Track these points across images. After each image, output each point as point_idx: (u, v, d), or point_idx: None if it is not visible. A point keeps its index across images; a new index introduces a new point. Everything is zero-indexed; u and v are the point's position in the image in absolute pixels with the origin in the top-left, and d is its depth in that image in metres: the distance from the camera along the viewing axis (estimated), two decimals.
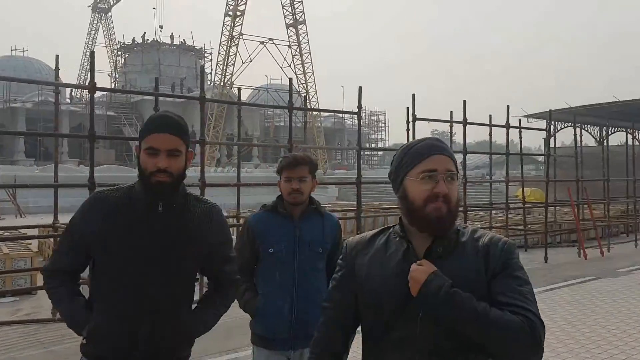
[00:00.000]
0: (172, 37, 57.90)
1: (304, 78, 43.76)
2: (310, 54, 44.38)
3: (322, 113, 44.35)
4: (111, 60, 62.46)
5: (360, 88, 8.35)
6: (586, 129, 31.16)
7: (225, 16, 43.33)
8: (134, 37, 59.00)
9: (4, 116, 43.57)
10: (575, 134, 13.45)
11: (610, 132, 30.93)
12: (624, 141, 22.19)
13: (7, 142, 44.42)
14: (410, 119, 9.40)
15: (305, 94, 43.58)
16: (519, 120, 12.16)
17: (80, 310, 1.94)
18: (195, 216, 1.98)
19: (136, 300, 1.87)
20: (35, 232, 10.00)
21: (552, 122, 27.56)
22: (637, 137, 27.80)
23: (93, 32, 64.24)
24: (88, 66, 13.28)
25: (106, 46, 62.69)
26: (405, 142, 2.74)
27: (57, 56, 6.76)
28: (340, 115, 48.53)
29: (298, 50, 44.04)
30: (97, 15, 63.58)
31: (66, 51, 66.85)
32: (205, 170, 7.47)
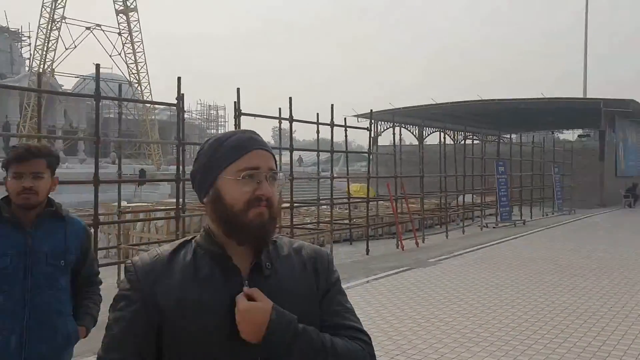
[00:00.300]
0: None
1: (135, 68, 41.34)
2: (142, 42, 42.07)
3: (157, 106, 42.24)
4: None
5: (179, 78, 7.91)
6: (409, 129, 33.68)
7: None
8: None
9: None
10: (394, 134, 14.30)
11: (429, 132, 33.91)
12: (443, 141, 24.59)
13: None
14: (235, 113, 9.16)
15: (137, 85, 41.27)
16: (345, 119, 12.58)
17: None
18: None
19: None
20: None
21: (380, 122, 29.56)
22: (453, 136, 30.84)
23: None
24: None
25: None
26: None
27: None
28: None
29: (129, 38, 41.49)
30: None
31: None
32: None
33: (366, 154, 14.79)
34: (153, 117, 42.98)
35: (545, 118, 32.81)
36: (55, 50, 39.59)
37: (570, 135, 41.69)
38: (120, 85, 9.37)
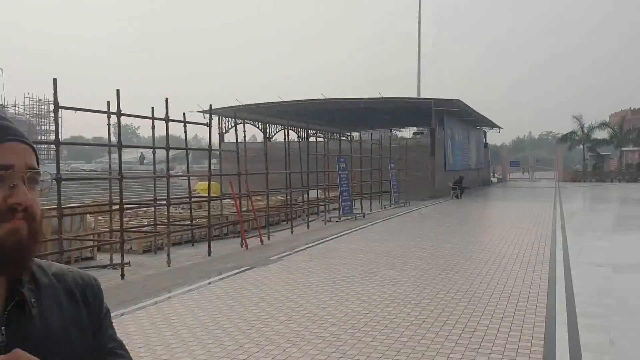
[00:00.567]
0: None
1: None
2: None
3: None
4: None
5: None
6: (258, 126, 33.62)
7: None
8: None
9: None
10: (236, 130, 14.02)
11: (277, 130, 34.16)
12: (295, 138, 24.83)
13: None
14: (54, 107, 8.23)
15: None
16: (184, 114, 11.99)
17: None
18: None
19: None
20: None
21: (227, 119, 29.10)
22: (300, 134, 31.32)
23: None
24: None
25: None
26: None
27: None
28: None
29: None
30: None
31: None
32: None
33: (214, 151, 14.30)
34: None
35: (384, 117, 34.81)
36: None
37: (406, 132, 44.78)
38: None
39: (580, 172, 46.42)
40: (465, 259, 9.86)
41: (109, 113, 9.68)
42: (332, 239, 12.92)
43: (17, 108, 45.67)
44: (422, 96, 35.14)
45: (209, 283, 8.26)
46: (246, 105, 27.96)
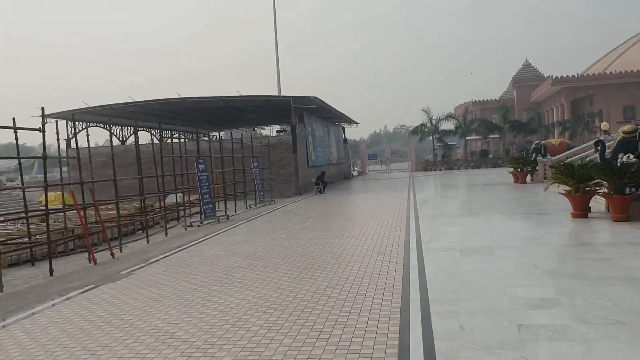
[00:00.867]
0: None
1: None
2: None
3: None
4: None
5: None
6: (113, 129, 31.40)
7: None
8: None
9: None
10: (75, 135, 12.79)
11: (131, 132, 32.21)
12: (152, 140, 23.47)
13: None
14: None
15: None
16: (13, 119, 10.63)
17: None
18: None
19: None
20: None
21: (78, 123, 26.79)
22: (155, 135, 29.72)
23: None
24: None
25: None
26: None
27: None
28: None
29: None
30: None
31: None
32: None
33: (64, 159, 12.90)
34: None
35: (247, 116, 34.42)
36: None
37: (271, 131, 44.75)
38: None
39: (431, 161, 49.74)
40: (328, 254, 9.85)
41: None
42: (191, 245, 12.31)
43: None
44: (283, 94, 35.25)
45: (47, 307, 7.33)
46: (92, 107, 25.92)
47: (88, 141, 15.56)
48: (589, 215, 12.29)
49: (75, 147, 12.40)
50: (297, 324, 5.81)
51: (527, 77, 65.35)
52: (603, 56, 68.50)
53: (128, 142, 32.38)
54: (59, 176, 11.30)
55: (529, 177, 25.66)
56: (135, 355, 5.16)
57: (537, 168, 25.42)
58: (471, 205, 16.96)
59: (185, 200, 19.02)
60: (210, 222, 16.75)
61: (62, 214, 13.86)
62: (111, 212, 16.43)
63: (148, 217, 15.78)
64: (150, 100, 26.69)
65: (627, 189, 11.55)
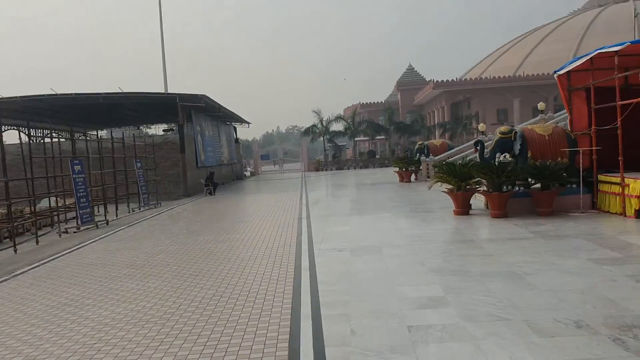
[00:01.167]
0: None
1: None
2: None
3: None
4: None
5: None
6: None
7: None
8: None
9: None
10: None
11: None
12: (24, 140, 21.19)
13: None
14: None
15: None
16: None
17: None
18: None
19: None
20: None
21: None
22: (25, 132, 27.20)
23: None
24: None
25: None
26: None
27: None
28: None
29: None
30: None
31: None
32: None
33: None
34: None
35: (131, 114, 32.58)
36: None
37: (156, 130, 42.88)
38: None
39: (322, 161, 50.42)
40: (216, 259, 9.38)
41: None
42: (65, 254, 11.25)
43: None
44: (169, 92, 33.82)
45: None
46: None
47: None
48: (470, 212, 12.88)
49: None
50: (179, 338, 5.36)
51: (410, 81, 68.50)
52: (480, 61, 73.48)
53: None
54: None
55: (413, 176, 26.70)
56: None
57: (421, 167, 26.52)
58: (360, 204, 17.21)
59: (60, 205, 17.50)
60: (88, 228, 15.51)
61: None
62: None
63: (16, 224, 14.27)
64: (18, 97, 24.31)
65: (505, 187, 12.23)
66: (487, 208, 12.89)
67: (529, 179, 12.55)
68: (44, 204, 18.93)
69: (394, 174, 28.58)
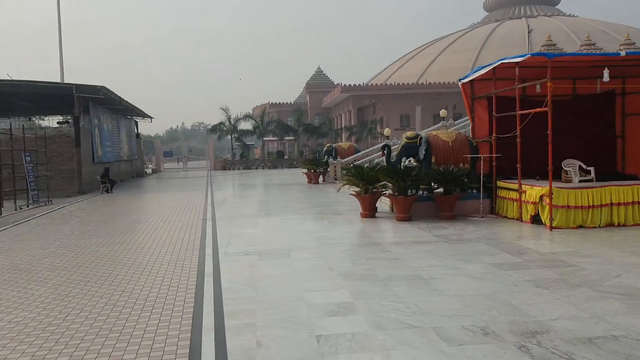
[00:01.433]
0: None
1: None
2: None
3: None
4: None
5: None
6: None
7: None
8: None
9: None
10: None
11: None
12: None
13: None
14: None
15: None
16: None
17: None
18: None
19: None
20: None
21: None
22: None
23: None
24: None
25: None
26: None
27: None
28: None
29: None
30: None
31: None
32: None
33: None
34: None
35: (23, 103, 30.03)
36: None
37: (51, 122, 39.95)
38: None
39: (230, 160, 49.50)
40: (111, 264, 8.68)
41: None
42: None
43: None
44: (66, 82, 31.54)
45: None
46: None
47: None
48: (377, 215, 12.98)
49: None
50: (64, 354, 4.78)
51: (319, 84, 69.08)
52: (385, 67, 75.69)
53: None
54: None
55: (321, 178, 26.79)
56: None
57: (329, 169, 26.67)
58: (268, 205, 16.90)
59: None
60: None
61: None
62: None
63: None
64: None
65: (409, 191, 12.43)
66: (393, 211, 13.06)
67: (433, 184, 12.87)
68: None
69: (302, 175, 28.51)
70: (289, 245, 9.58)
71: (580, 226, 10.59)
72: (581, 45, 31.80)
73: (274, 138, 58.07)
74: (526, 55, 10.37)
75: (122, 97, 29.33)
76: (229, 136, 51.96)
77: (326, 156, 27.85)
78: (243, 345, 4.83)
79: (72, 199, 22.08)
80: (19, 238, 11.91)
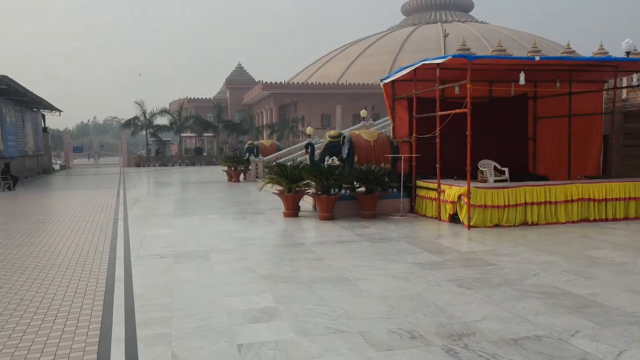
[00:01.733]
0: None
1: None
2: None
3: None
4: None
5: None
6: None
7: None
8: None
9: None
10: None
11: None
12: None
13: None
14: None
15: None
16: None
17: None
18: None
19: None
20: None
21: None
22: None
23: None
24: None
25: None
26: None
27: None
28: None
29: None
30: None
31: None
32: None
33: None
34: None
35: None
36: None
37: None
38: None
39: (144, 157, 47.60)
40: (9, 268, 7.88)
41: None
42: None
43: None
44: None
45: None
46: None
47: None
48: (299, 214, 12.78)
49: None
50: None
51: (240, 80, 68.12)
52: (306, 67, 75.94)
53: None
54: None
55: (242, 176, 26.27)
56: None
57: (250, 167, 26.20)
58: (186, 204, 16.25)
59: None
60: None
61: None
62: None
63: None
64: None
65: (333, 190, 12.33)
66: (315, 210, 12.92)
67: (355, 183, 12.85)
68: None
69: (222, 172, 27.83)
70: (208, 247, 9.16)
71: (497, 225, 10.92)
72: (493, 51, 33.23)
73: (192, 134, 56.53)
74: (447, 56, 10.55)
75: (27, 88, 27.30)
76: (144, 131, 49.95)
77: (247, 154, 27.36)
78: (157, 357, 4.44)
79: None
80: None
